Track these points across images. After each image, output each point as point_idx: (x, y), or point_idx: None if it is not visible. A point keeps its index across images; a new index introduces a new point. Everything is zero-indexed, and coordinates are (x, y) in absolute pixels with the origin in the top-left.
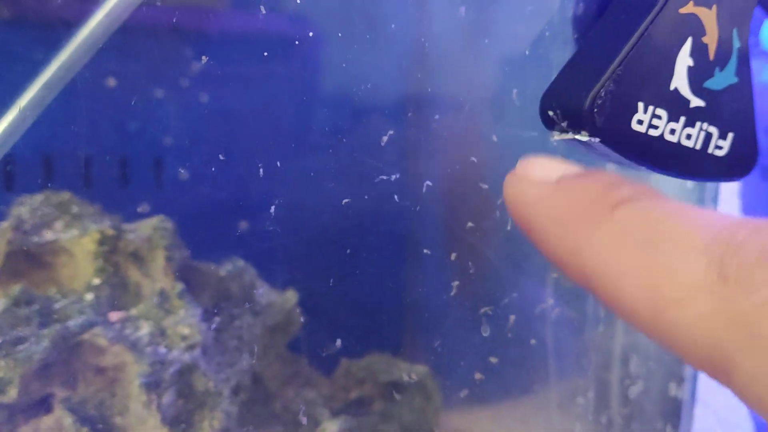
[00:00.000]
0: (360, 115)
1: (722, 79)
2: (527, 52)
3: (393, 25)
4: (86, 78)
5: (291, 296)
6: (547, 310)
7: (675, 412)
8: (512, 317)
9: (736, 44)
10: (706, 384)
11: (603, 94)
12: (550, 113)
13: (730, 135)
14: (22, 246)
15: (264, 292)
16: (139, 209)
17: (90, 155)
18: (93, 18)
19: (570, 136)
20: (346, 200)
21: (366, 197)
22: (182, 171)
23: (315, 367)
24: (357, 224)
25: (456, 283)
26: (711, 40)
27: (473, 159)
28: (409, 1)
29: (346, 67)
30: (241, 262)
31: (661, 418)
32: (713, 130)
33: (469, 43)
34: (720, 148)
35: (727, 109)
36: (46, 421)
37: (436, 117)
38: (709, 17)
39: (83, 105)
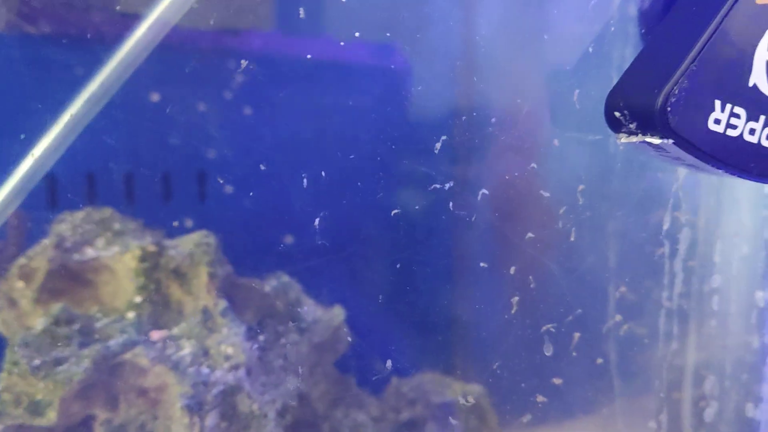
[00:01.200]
0: (410, 120)
1: None
2: (589, 50)
3: (444, 26)
4: (128, 93)
5: (338, 313)
6: (614, 327)
7: None
8: (577, 335)
9: None
10: None
11: (677, 92)
12: (617, 114)
13: None
14: (63, 263)
15: (310, 309)
16: (183, 223)
17: (132, 171)
18: (133, 35)
19: (639, 138)
20: (395, 211)
21: (417, 207)
22: (225, 184)
23: (364, 387)
24: (407, 236)
25: (516, 298)
26: None
27: (533, 165)
28: (460, 1)
29: (395, 70)
30: (285, 278)
31: None
32: None
33: (525, 43)
34: None
35: None
36: None
37: (492, 120)
38: None
39: (125, 120)
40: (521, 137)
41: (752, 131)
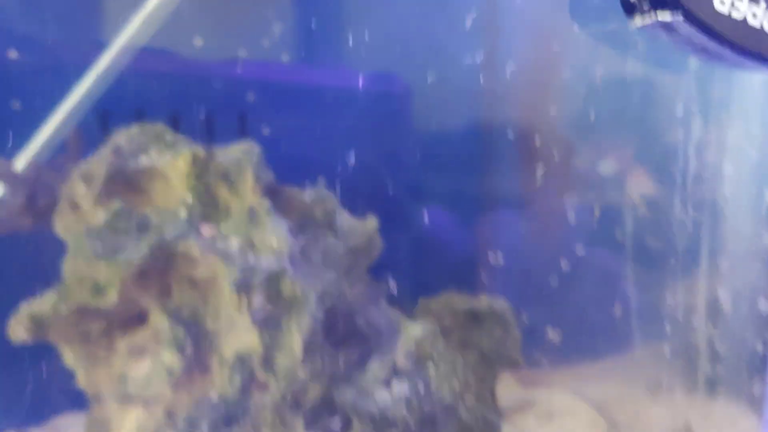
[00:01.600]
0: None
1: None
2: None
3: None
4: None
5: (371, 222)
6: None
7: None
8: None
9: None
10: None
11: None
12: None
13: None
14: (120, 169)
15: (344, 218)
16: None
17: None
18: None
19: (653, 18)
20: None
21: None
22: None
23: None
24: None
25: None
26: None
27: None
28: None
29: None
30: (323, 190)
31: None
32: None
33: None
34: None
35: None
36: (143, 328)
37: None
38: None
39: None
40: None
41: (755, 15)
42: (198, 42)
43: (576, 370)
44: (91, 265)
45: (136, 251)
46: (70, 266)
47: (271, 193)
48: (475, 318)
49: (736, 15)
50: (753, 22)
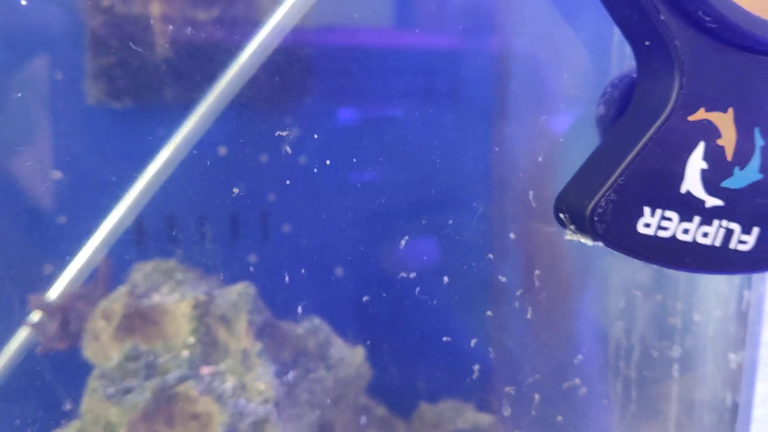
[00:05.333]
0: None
1: (743, 177)
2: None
3: None
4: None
5: (359, 352)
6: (573, 388)
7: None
8: (537, 396)
9: (759, 142)
10: None
11: (603, 203)
12: (561, 216)
13: (756, 229)
14: (135, 307)
15: (337, 348)
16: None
17: (204, 215)
18: (206, 98)
19: (578, 237)
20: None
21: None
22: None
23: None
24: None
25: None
26: (728, 141)
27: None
28: None
29: None
30: (317, 320)
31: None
32: (734, 226)
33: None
34: (744, 242)
35: (750, 205)
36: None
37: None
38: (724, 120)
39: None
40: (480, 233)
41: (686, 231)
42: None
43: None
44: (103, 406)
45: (142, 395)
46: (86, 405)
47: (267, 330)
48: None
49: (663, 234)
50: (684, 237)
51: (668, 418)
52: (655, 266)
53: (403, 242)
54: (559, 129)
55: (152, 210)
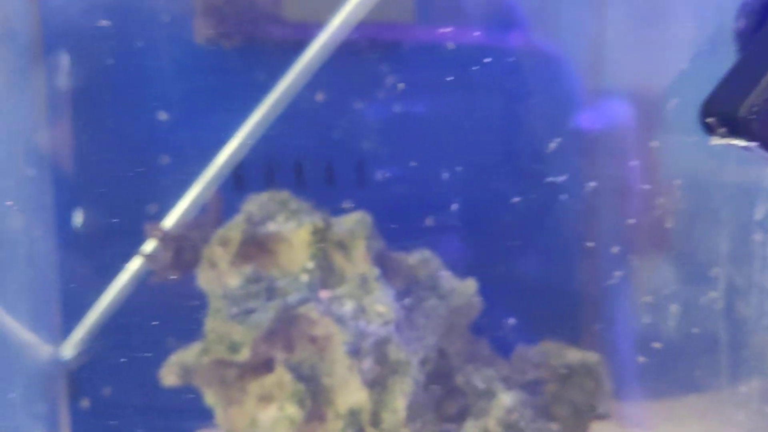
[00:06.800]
0: (527, 125)
1: None
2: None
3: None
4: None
5: (471, 284)
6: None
7: None
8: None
9: None
10: None
11: (759, 103)
12: (709, 120)
13: None
14: (252, 234)
15: (446, 280)
16: (344, 206)
17: (302, 161)
18: (311, 44)
19: (728, 141)
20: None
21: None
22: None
23: (494, 350)
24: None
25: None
26: None
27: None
28: None
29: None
30: (427, 253)
31: None
32: None
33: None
34: None
35: None
36: (270, 377)
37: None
38: None
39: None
40: (625, 138)
41: None
42: None
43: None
44: (227, 326)
45: (265, 315)
46: (210, 325)
47: (380, 259)
48: (568, 371)
49: None
50: None
51: None
52: None
53: None
54: None
55: (256, 153)
